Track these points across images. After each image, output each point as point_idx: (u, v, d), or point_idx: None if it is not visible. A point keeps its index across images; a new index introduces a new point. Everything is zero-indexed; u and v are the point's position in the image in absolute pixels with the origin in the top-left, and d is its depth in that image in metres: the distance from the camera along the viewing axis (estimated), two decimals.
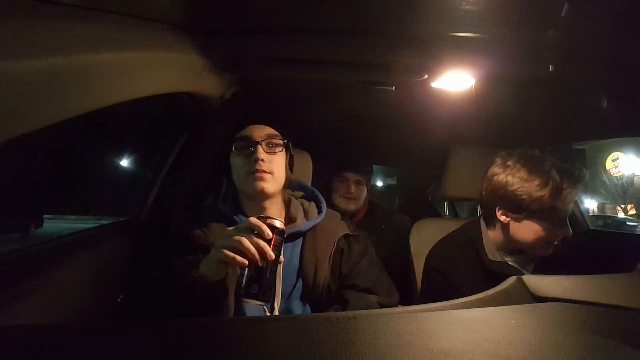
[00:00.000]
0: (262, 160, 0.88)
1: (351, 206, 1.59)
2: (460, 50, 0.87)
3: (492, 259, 1.03)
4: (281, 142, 0.94)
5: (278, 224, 0.70)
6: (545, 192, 0.95)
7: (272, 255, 0.67)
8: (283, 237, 0.71)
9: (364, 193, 1.63)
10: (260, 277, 0.67)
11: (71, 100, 0.51)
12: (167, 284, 0.77)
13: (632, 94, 1.01)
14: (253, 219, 0.69)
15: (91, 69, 0.52)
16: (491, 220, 1.07)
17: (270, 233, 0.68)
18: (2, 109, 0.41)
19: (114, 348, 0.40)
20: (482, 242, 1.06)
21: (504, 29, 0.81)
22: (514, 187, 0.98)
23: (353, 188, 1.59)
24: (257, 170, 0.88)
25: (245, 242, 0.66)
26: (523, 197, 0.96)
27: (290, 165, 0.98)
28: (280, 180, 0.93)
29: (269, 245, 0.67)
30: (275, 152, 0.92)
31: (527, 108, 1.25)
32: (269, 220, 0.69)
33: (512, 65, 0.91)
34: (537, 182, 0.96)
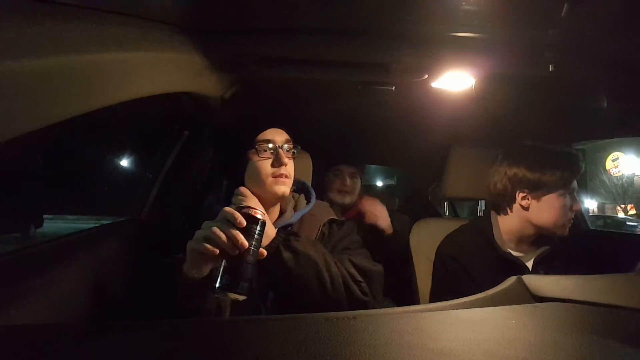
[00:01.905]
0: (285, 164, 0.89)
1: (347, 199, 1.59)
2: (460, 50, 0.87)
3: (504, 249, 1.10)
4: (293, 147, 0.96)
5: (259, 215, 0.67)
6: (559, 165, 1.05)
7: (246, 243, 0.63)
8: (263, 228, 0.67)
9: (358, 186, 1.64)
10: (234, 269, 0.63)
11: (71, 100, 0.51)
12: (157, 284, 0.76)
13: (632, 94, 1.01)
14: (227, 208, 0.67)
15: (91, 69, 0.52)
16: (506, 211, 1.13)
17: (244, 221, 0.65)
18: (2, 109, 0.41)
19: (114, 348, 0.41)
20: (493, 234, 1.13)
21: (504, 29, 0.81)
22: (531, 167, 1.07)
23: (348, 181, 1.60)
24: (282, 175, 0.89)
25: (216, 230, 0.64)
26: (542, 172, 1.05)
27: None
28: (292, 183, 0.95)
29: (247, 235, 0.64)
30: (291, 157, 0.94)
31: (527, 108, 1.25)
32: (244, 210, 0.66)
33: (512, 65, 0.91)
34: (551, 157, 1.07)
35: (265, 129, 0.92)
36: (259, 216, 0.67)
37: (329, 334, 0.42)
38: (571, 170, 1.05)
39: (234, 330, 0.48)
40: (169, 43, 0.71)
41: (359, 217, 1.59)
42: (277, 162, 0.89)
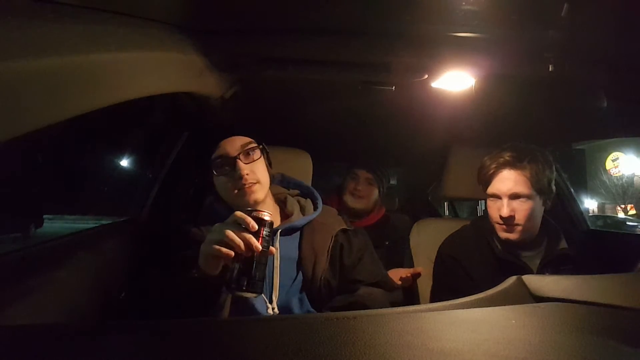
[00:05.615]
0: (247, 174, 0.89)
1: (359, 204, 1.57)
2: (460, 50, 0.87)
3: (504, 250, 1.09)
4: (257, 147, 0.95)
5: (266, 217, 0.71)
6: (488, 165, 1.09)
7: (259, 246, 0.68)
8: (271, 230, 0.72)
9: (374, 194, 1.62)
10: (248, 269, 0.68)
11: (71, 100, 0.51)
12: (166, 281, 0.78)
13: (632, 94, 1.01)
14: (238, 212, 0.70)
15: (91, 69, 0.52)
16: None
17: (256, 225, 0.69)
18: (2, 109, 0.41)
19: (114, 348, 0.41)
20: (493, 234, 1.12)
21: (504, 29, 0.81)
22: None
23: (362, 186, 1.58)
24: (244, 185, 0.89)
25: (230, 234, 0.67)
26: (481, 168, 1.11)
27: (269, 163, 1.01)
28: (266, 184, 0.95)
29: (257, 237, 0.69)
30: (254, 160, 0.93)
31: (527, 108, 1.25)
32: (255, 213, 0.71)
33: (512, 65, 0.91)
34: (489, 156, 1.11)
35: (217, 144, 0.93)
36: (267, 218, 0.71)
37: (329, 334, 0.42)
38: (490, 175, 1.06)
39: (234, 330, 0.48)
40: (169, 43, 0.71)
41: (371, 229, 1.56)
42: (236, 175, 0.89)
